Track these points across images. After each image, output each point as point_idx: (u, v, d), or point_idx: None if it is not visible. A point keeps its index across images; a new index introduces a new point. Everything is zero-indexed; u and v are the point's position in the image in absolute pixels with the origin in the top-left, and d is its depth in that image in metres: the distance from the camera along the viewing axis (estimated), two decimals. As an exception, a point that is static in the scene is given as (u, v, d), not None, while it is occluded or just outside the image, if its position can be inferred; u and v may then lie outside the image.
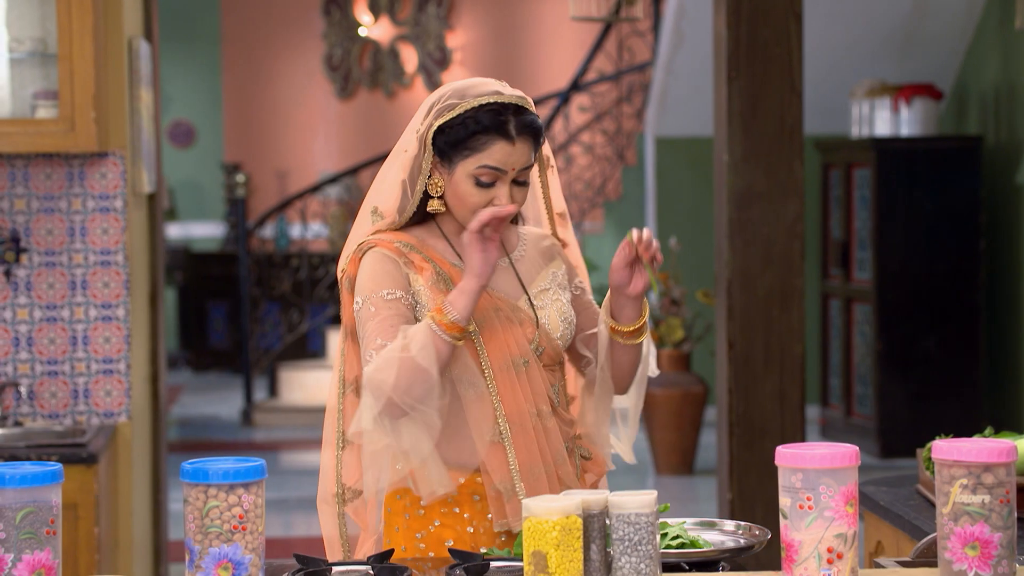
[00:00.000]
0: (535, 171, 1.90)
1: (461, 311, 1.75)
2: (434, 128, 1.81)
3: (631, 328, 1.83)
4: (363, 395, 1.77)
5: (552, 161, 1.93)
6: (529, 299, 1.85)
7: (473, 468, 1.81)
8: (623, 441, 1.92)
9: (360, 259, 1.83)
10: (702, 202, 6.19)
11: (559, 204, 1.94)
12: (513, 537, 1.82)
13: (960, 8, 5.65)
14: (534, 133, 1.81)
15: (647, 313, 1.86)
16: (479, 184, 1.79)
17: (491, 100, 1.79)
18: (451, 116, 1.79)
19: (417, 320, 1.79)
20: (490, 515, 1.80)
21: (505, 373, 1.81)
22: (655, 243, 1.79)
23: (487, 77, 1.88)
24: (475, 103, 1.79)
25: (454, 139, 1.79)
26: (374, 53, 8.65)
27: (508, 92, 1.81)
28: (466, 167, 1.80)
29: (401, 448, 1.77)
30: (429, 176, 1.82)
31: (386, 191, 1.85)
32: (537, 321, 1.84)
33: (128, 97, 3.18)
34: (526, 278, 1.87)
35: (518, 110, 1.80)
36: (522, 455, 1.79)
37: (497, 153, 1.78)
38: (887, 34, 5.81)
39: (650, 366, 1.90)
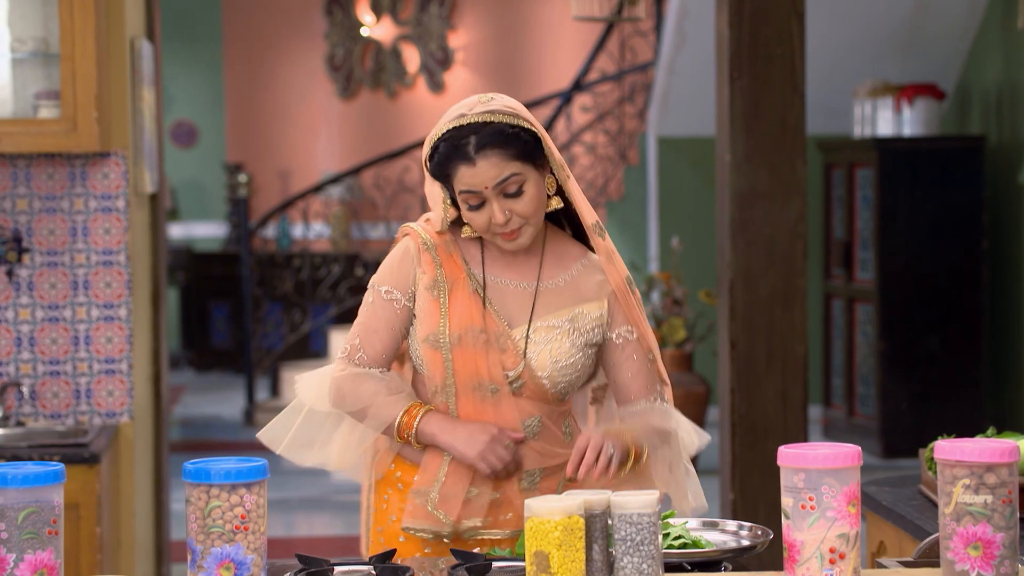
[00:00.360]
0: (563, 180, 1.85)
1: (424, 436, 1.80)
2: (424, 159, 1.85)
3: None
4: (332, 386, 1.85)
5: (568, 169, 1.88)
6: (527, 330, 1.82)
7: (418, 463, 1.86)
8: (688, 491, 1.85)
9: (398, 241, 1.89)
10: (704, 202, 6.18)
11: (589, 215, 1.88)
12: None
13: (962, 8, 5.64)
14: (500, 144, 1.79)
15: (639, 451, 1.77)
16: (470, 207, 1.82)
17: (451, 126, 1.80)
18: (426, 150, 1.84)
19: (410, 315, 1.83)
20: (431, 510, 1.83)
21: (471, 394, 1.82)
22: (600, 465, 1.73)
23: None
24: (438, 133, 1.82)
25: (433, 170, 1.84)
26: (376, 53, 8.64)
27: (475, 111, 1.80)
28: (455, 193, 1.83)
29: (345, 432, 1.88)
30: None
31: (435, 207, 1.89)
32: (525, 355, 1.82)
33: (130, 97, 3.17)
34: (542, 308, 1.84)
35: (477, 127, 1.79)
36: (453, 475, 1.82)
37: (464, 177, 1.80)
38: (889, 34, 5.81)
39: (689, 443, 1.83)
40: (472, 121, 1.80)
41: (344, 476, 1.95)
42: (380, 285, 1.86)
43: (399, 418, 1.81)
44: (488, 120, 1.80)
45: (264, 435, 1.91)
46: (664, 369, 1.91)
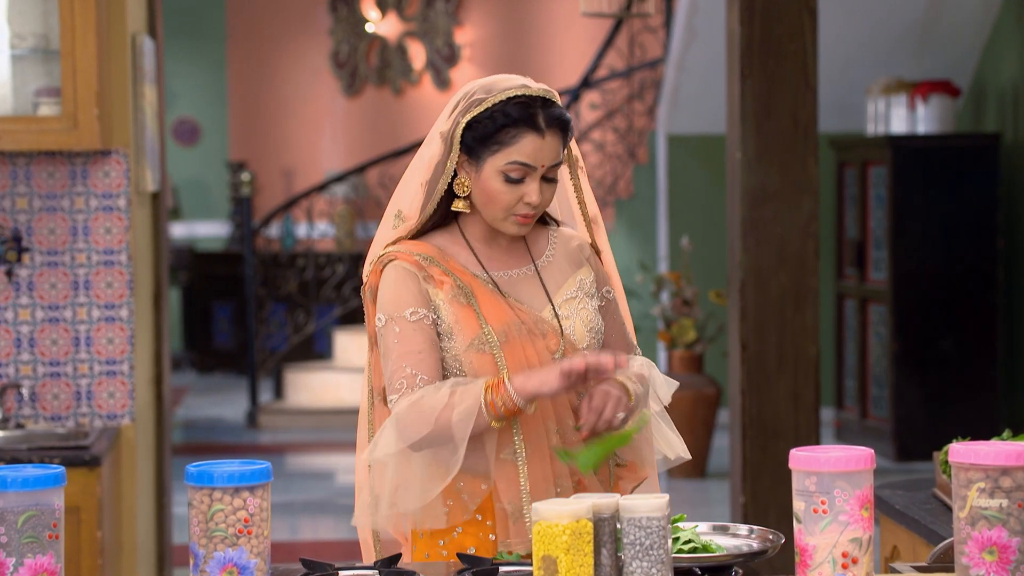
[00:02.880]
0: (566, 172, 1.88)
1: (520, 392, 1.71)
2: (461, 125, 1.79)
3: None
4: (388, 427, 1.76)
5: (582, 162, 1.90)
6: (554, 309, 1.82)
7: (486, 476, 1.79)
8: (671, 441, 1.88)
9: (381, 271, 1.82)
10: (715, 201, 6.14)
11: (592, 207, 1.91)
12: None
13: (977, 4, 5.60)
14: (562, 126, 1.79)
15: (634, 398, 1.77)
16: (508, 180, 1.78)
17: (519, 93, 1.77)
18: (479, 111, 1.78)
19: (438, 333, 1.78)
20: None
21: None
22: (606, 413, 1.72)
23: (496, 74, 1.85)
24: (503, 96, 1.77)
25: (482, 134, 1.78)
26: (381, 50, 8.61)
27: (535, 86, 1.80)
28: (495, 163, 1.78)
29: (411, 481, 1.76)
30: (455, 175, 1.81)
31: (410, 194, 1.84)
32: (562, 332, 1.81)
33: (132, 94, 3.15)
34: (552, 285, 1.84)
35: (546, 103, 1.78)
36: (535, 475, 1.77)
37: (527, 147, 1.77)
38: (903, 30, 5.76)
39: (661, 395, 1.85)
40: (539, 94, 1.78)
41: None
42: (399, 312, 1.78)
43: (483, 395, 1.72)
44: (551, 99, 1.79)
45: (358, 522, 1.83)
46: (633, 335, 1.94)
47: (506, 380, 1.72)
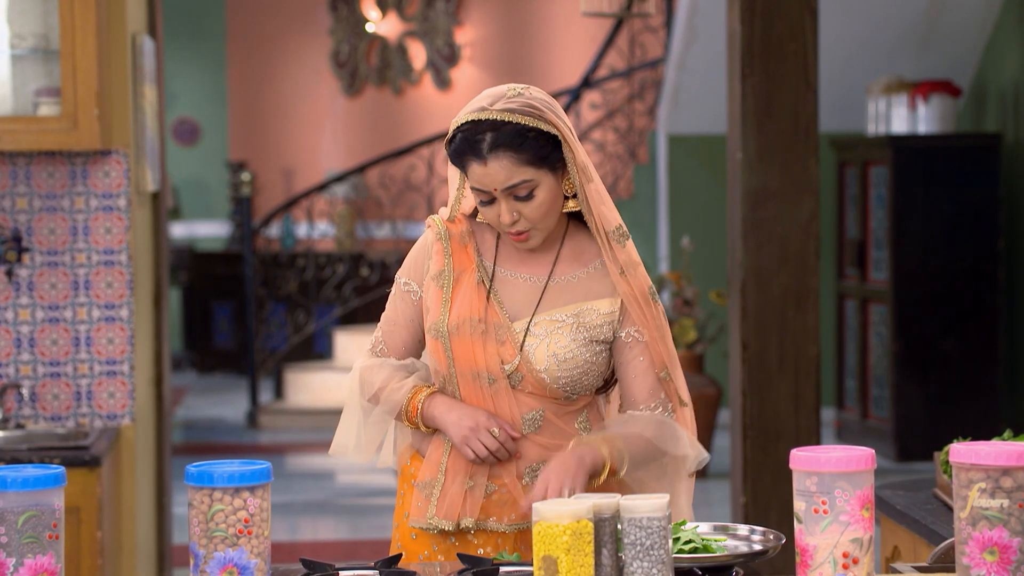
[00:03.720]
0: (583, 183, 1.80)
1: (427, 418, 1.82)
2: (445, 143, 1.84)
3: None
4: (353, 371, 1.89)
5: (591, 172, 1.82)
6: (528, 324, 1.80)
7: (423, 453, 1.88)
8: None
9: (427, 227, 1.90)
10: (715, 201, 6.13)
11: (610, 220, 1.81)
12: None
13: (978, 4, 5.59)
14: (514, 147, 1.75)
15: (609, 464, 1.74)
16: (481, 202, 1.81)
17: (469, 119, 1.78)
18: (448, 135, 1.82)
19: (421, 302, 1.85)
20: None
21: (472, 382, 1.82)
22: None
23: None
24: (458, 122, 1.80)
25: (449, 158, 1.83)
26: (382, 49, 8.60)
27: (497, 106, 1.76)
28: (469, 184, 1.82)
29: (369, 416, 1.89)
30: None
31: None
32: (521, 348, 1.80)
33: (132, 94, 3.15)
34: (548, 303, 1.82)
35: (495, 124, 1.76)
36: (453, 466, 1.83)
37: (476, 174, 1.79)
38: (904, 30, 5.76)
39: (685, 456, 1.80)
40: (491, 118, 1.77)
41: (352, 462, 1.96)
42: (400, 277, 1.89)
43: (406, 401, 1.83)
44: (506, 119, 1.76)
45: (334, 450, 1.95)
46: (684, 389, 1.84)
47: (424, 399, 1.81)
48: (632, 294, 1.81)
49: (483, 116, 1.76)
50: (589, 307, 1.80)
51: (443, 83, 8.42)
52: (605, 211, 1.81)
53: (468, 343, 1.79)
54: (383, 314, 1.89)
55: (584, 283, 1.82)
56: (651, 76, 6.75)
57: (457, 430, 1.78)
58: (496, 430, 1.77)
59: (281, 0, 8.70)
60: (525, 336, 1.79)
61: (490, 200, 1.78)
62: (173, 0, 8.05)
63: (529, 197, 1.76)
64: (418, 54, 8.51)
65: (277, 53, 8.74)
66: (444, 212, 1.88)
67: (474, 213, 1.87)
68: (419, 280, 1.85)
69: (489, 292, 1.81)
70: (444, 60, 8.44)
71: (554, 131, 1.76)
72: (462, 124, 1.78)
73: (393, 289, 1.89)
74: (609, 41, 6.76)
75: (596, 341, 1.80)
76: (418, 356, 1.88)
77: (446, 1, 8.41)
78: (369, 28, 8.58)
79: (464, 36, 8.45)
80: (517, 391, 1.79)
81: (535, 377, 1.79)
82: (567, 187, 1.80)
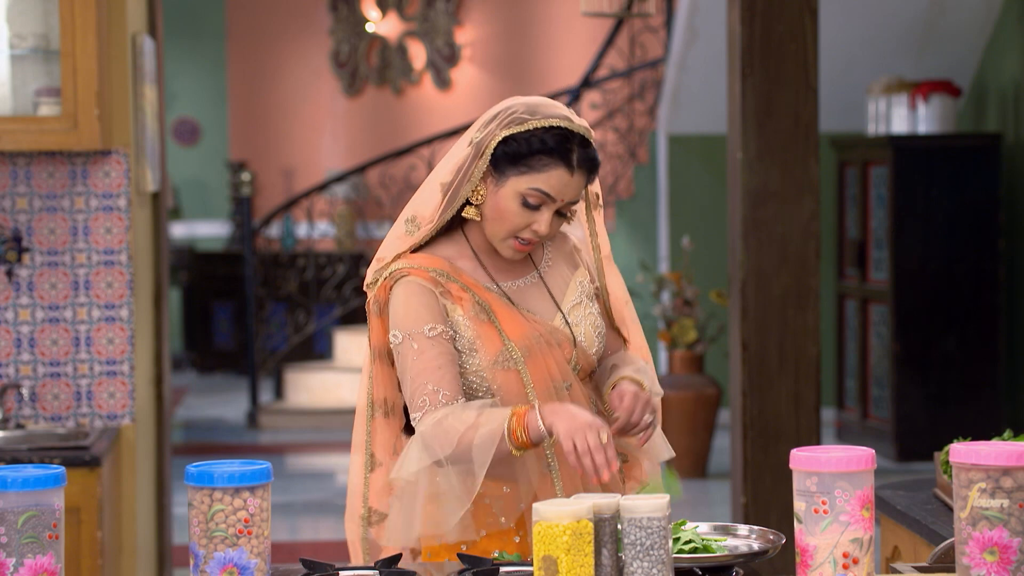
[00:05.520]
0: (582, 208, 1.88)
1: (537, 432, 1.72)
2: (498, 137, 1.79)
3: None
4: (414, 445, 1.76)
5: (601, 200, 1.91)
6: (564, 317, 1.84)
7: (514, 480, 1.81)
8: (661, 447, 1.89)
9: (391, 287, 1.81)
10: (716, 201, 6.13)
11: (606, 245, 1.91)
12: None
13: (979, 3, 5.59)
14: (591, 169, 1.81)
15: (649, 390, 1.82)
16: (525, 204, 1.79)
17: (560, 124, 1.78)
18: (519, 129, 1.79)
19: (457, 349, 1.78)
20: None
21: (551, 397, 1.80)
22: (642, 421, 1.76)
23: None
24: (544, 123, 1.79)
25: (515, 153, 1.78)
26: (382, 49, 8.60)
27: (577, 121, 1.81)
28: (518, 184, 1.79)
29: (445, 493, 1.76)
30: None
31: (425, 193, 1.85)
32: (575, 340, 1.83)
33: (132, 94, 3.14)
34: (557, 292, 1.86)
35: (583, 141, 1.80)
36: (568, 485, 1.80)
37: (554, 179, 1.78)
38: (904, 30, 5.76)
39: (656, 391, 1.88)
40: (579, 132, 1.80)
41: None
42: (417, 328, 1.78)
43: (507, 421, 1.71)
44: (587, 138, 1.81)
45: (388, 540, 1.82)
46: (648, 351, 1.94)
47: (534, 409, 1.72)
48: (589, 252, 1.90)
49: (573, 127, 1.79)
50: (577, 280, 1.87)
51: (443, 83, 8.42)
52: (606, 239, 1.92)
53: (540, 360, 1.78)
54: (414, 371, 1.75)
55: (557, 262, 1.88)
56: (651, 76, 6.75)
57: (571, 422, 1.68)
58: (604, 436, 1.70)
59: (281, 0, 8.69)
60: (570, 328, 1.82)
61: (537, 206, 1.78)
62: (173, 0, 8.05)
63: (565, 215, 1.81)
64: (418, 54, 8.51)
65: (277, 53, 8.74)
66: (397, 245, 1.80)
67: (420, 247, 1.81)
68: (443, 322, 1.77)
69: (515, 306, 1.82)
70: (444, 60, 8.44)
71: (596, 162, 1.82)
72: (556, 126, 1.77)
73: (415, 344, 1.76)
74: (609, 41, 6.76)
75: (598, 309, 1.88)
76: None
77: (446, 1, 8.41)
78: (369, 28, 8.58)
79: (464, 36, 8.45)
80: (583, 384, 1.83)
81: (587, 361, 1.84)
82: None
